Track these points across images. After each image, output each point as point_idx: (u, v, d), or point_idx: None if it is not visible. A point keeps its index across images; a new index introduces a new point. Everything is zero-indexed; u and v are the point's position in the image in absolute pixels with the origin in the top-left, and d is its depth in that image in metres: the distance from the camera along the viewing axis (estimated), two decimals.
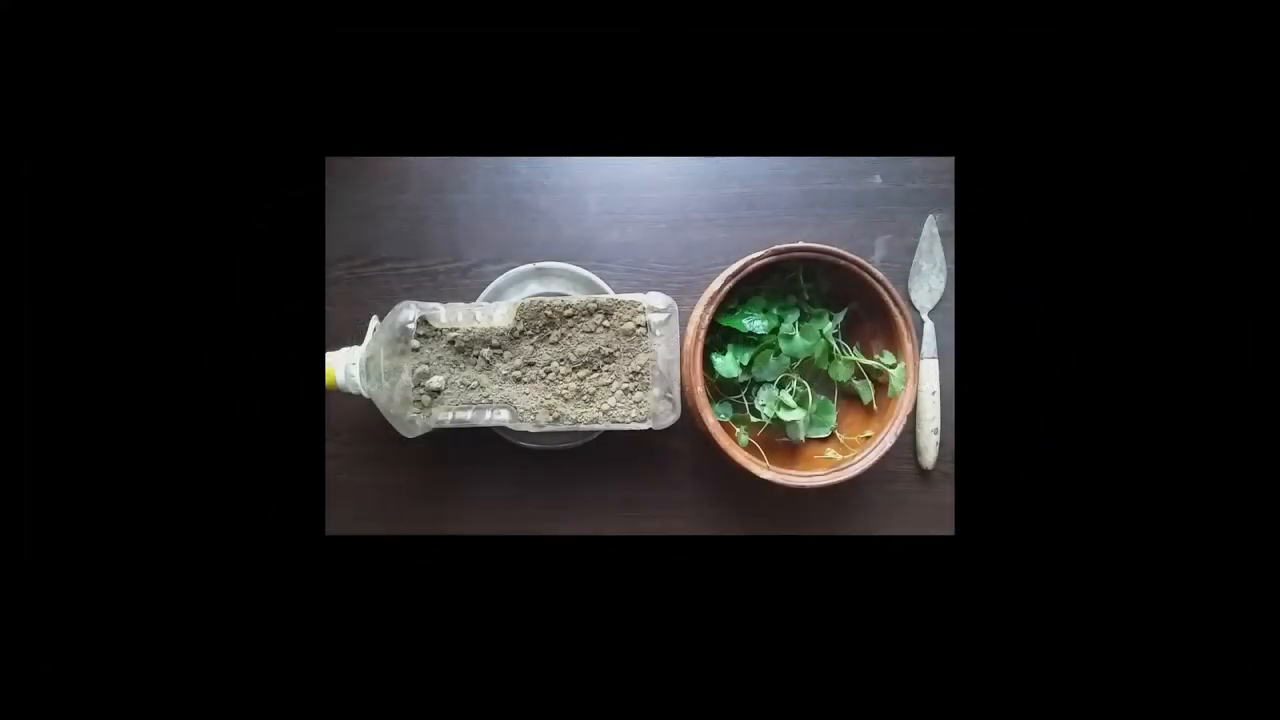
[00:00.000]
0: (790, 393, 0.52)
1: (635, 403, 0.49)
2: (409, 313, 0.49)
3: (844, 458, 0.50)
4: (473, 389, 0.49)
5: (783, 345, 0.50)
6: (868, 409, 0.53)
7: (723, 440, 0.48)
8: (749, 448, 0.51)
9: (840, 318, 0.53)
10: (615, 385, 0.49)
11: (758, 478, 0.47)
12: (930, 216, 0.57)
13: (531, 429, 0.49)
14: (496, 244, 0.58)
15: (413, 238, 0.58)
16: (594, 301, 0.49)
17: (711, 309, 0.48)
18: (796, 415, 0.51)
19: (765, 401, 0.52)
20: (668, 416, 0.49)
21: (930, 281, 0.57)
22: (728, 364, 0.52)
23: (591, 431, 0.53)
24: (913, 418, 0.55)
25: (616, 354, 0.49)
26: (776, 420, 0.51)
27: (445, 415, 0.49)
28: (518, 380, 0.49)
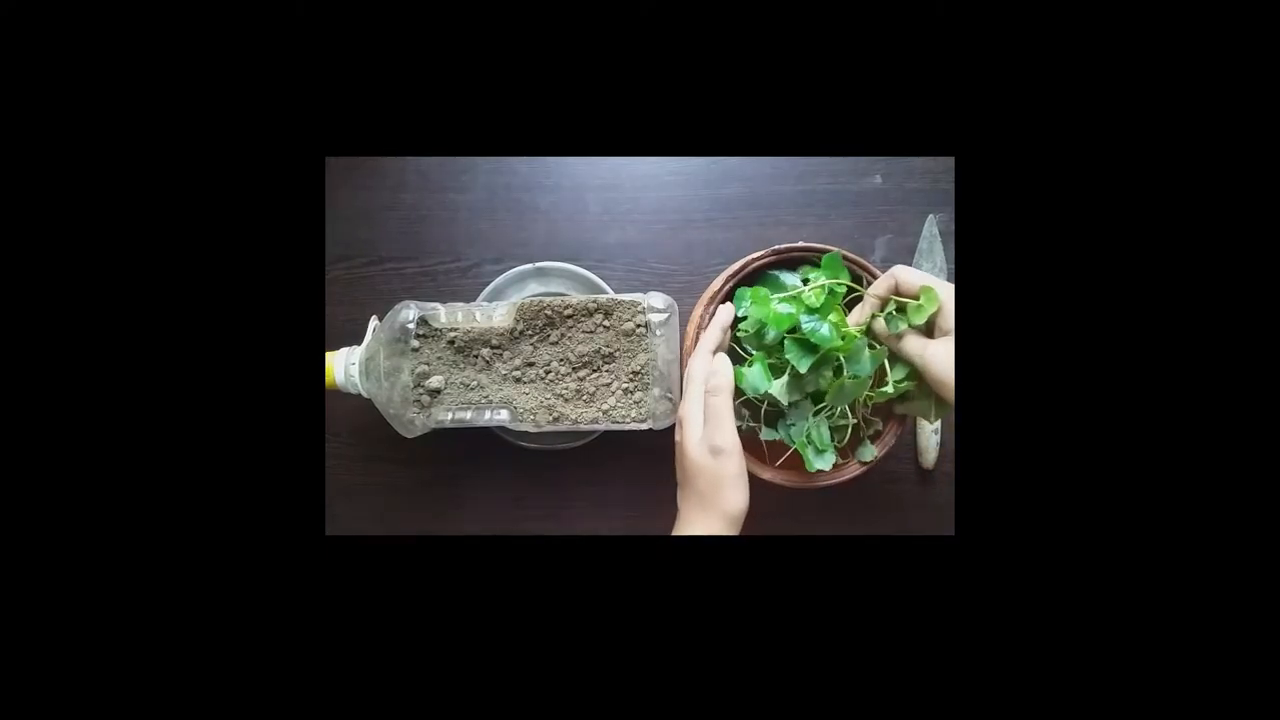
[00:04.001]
0: (828, 416, 0.45)
1: (635, 403, 0.49)
2: (409, 313, 0.49)
3: (844, 459, 0.50)
4: (472, 389, 0.49)
5: (809, 335, 0.42)
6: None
7: None
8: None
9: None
10: (615, 385, 0.49)
11: (758, 478, 0.47)
12: (930, 216, 0.57)
13: (531, 429, 0.49)
14: (496, 244, 0.58)
15: (412, 238, 0.58)
16: (594, 301, 0.49)
17: (712, 309, 0.48)
18: (826, 459, 0.45)
19: (799, 434, 0.45)
20: (668, 417, 0.49)
21: None
22: (756, 376, 0.43)
23: (591, 432, 0.53)
24: (913, 418, 0.54)
25: (616, 354, 0.49)
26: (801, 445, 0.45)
27: (445, 415, 0.49)
28: (518, 380, 0.49)
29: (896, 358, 0.44)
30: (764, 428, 0.47)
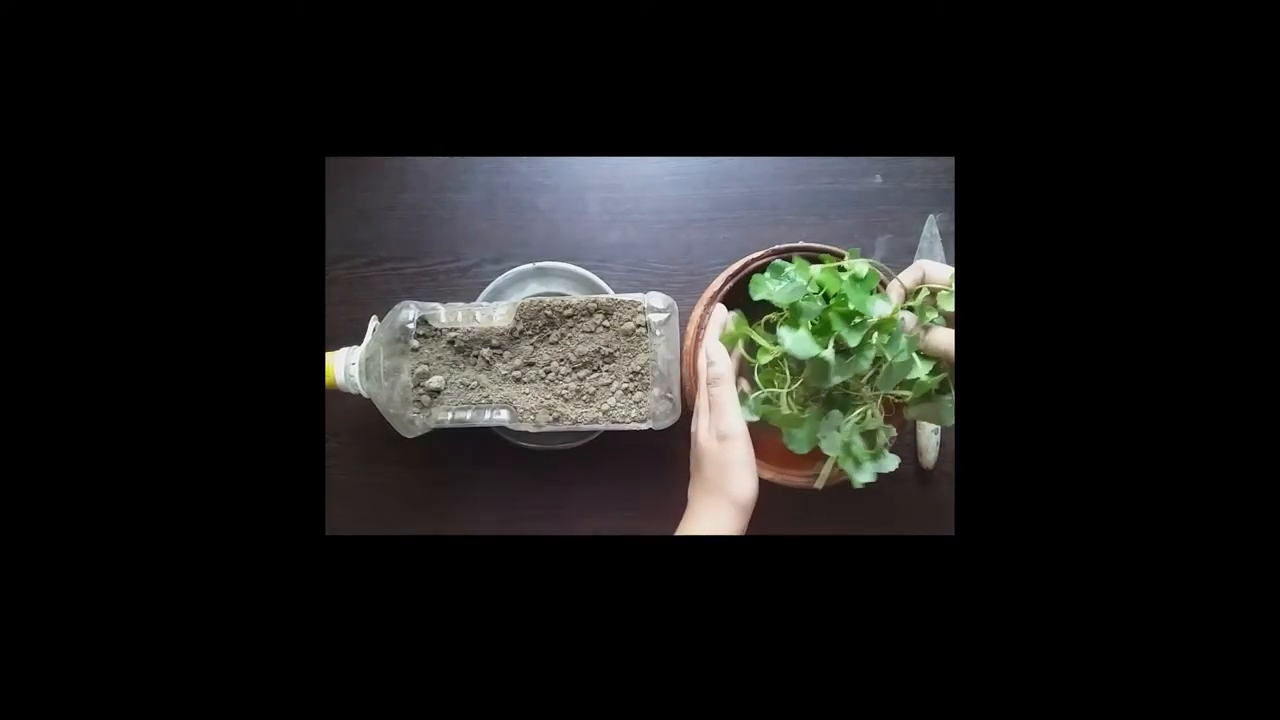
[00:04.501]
0: (859, 424, 0.43)
1: (635, 403, 0.49)
2: (409, 312, 0.49)
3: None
4: (473, 389, 0.49)
5: (854, 304, 0.40)
6: None
7: None
8: None
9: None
10: (615, 385, 0.49)
11: (758, 477, 0.47)
12: (930, 216, 0.57)
13: (531, 429, 0.49)
14: (496, 244, 0.58)
15: (412, 238, 0.58)
16: (594, 301, 0.49)
17: (712, 309, 0.48)
18: (867, 471, 0.43)
19: (834, 446, 0.43)
20: (668, 417, 0.49)
21: None
22: (802, 342, 0.40)
23: (591, 432, 0.53)
24: (912, 421, 0.54)
25: (616, 354, 0.49)
26: (846, 458, 0.43)
27: (445, 415, 0.49)
28: (518, 380, 0.49)
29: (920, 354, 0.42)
30: (791, 407, 0.43)
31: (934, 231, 0.57)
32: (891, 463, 0.45)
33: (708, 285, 0.50)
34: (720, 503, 0.41)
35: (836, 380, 0.41)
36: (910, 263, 0.57)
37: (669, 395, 0.49)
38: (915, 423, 0.55)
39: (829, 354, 0.40)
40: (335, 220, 0.57)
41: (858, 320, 0.40)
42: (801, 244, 0.48)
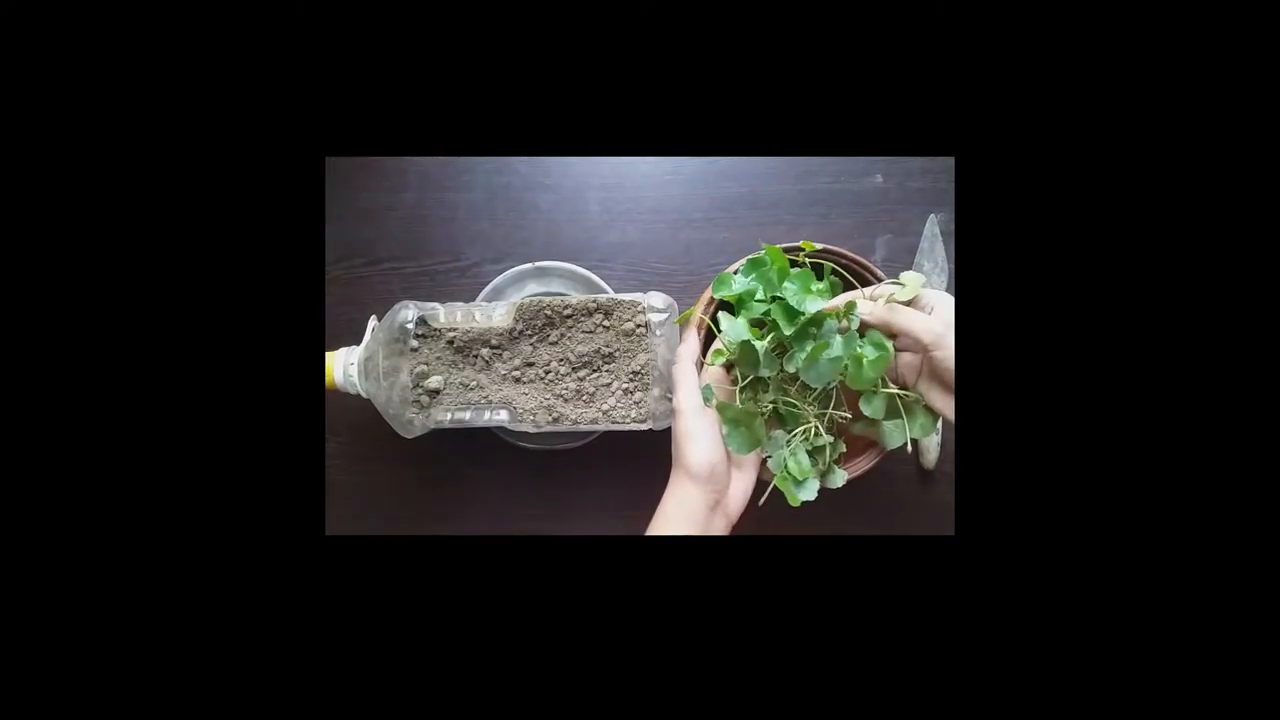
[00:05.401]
0: (804, 440, 0.44)
1: (635, 403, 0.49)
2: (408, 312, 0.49)
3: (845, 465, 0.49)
4: (472, 389, 0.49)
5: (791, 301, 0.43)
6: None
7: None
8: None
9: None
10: (615, 385, 0.49)
11: (758, 478, 0.47)
12: (931, 216, 0.57)
13: (531, 429, 0.49)
14: (496, 244, 0.58)
15: (412, 237, 0.58)
16: (594, 301, 0.49)
17: (711, 309, 0.48)
18: (807, 489, 0.43)
19: (777, 465, 0.44)
20: (668, 417, 0.49)
21: (931, 281, 0.57)
22: (738, 328, 0.44)
23: (591, 432, 0.53)
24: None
25: (616, 354, 0.49)
26: (788, 476, 0.44)
27: (444, 415, 0.49)
28: (517, 380, 0.49)
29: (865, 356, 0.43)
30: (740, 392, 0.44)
31: (934, 231, 0.57)
32: (840, 478, 0.45)
33: (707, 285, 0.50)
34: (679, 475, 0.43)
35: (766, 373, 0.43)
36: (911, 262, 0.57)
37: (669, 395, 0.49)
38: None
39: (760, 343, 0.43)
40: (335, 220, 0.57)
41: (799, 317, 0.43)
42: (801, 244, 0.48)
